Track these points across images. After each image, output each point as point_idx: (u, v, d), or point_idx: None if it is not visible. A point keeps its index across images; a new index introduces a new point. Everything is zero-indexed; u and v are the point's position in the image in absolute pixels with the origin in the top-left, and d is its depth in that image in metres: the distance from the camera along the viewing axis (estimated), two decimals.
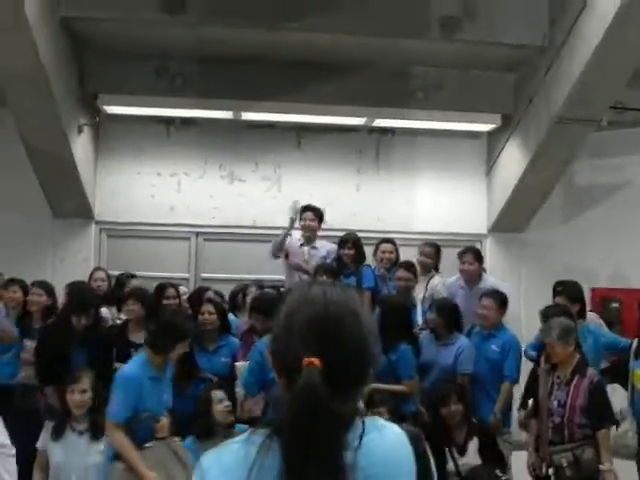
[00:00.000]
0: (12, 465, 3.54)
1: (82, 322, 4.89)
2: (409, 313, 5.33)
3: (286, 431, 1.25)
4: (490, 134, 8.01)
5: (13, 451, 3.52)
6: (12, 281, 5.60)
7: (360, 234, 6.84)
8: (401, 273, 5.84)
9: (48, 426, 4.13)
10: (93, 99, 7.05)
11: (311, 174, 7.82)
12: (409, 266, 5.94)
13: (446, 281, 6.00)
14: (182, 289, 6.26)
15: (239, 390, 4.89)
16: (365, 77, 7.07)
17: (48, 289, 5.46)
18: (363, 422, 1.33)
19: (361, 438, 1.30)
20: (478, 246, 8.19)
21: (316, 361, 1.26)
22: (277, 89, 6.97)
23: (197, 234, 7.87)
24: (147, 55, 6.84)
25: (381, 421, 1.40)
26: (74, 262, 7.48)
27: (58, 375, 4.36)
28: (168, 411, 4.23)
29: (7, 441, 3.60)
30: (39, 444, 4.13)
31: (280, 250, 6.32)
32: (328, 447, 1.24)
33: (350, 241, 6.11)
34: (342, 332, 1.32)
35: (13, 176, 7.34)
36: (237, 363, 5.11)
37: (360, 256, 6.12)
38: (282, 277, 7.50)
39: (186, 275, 7.72)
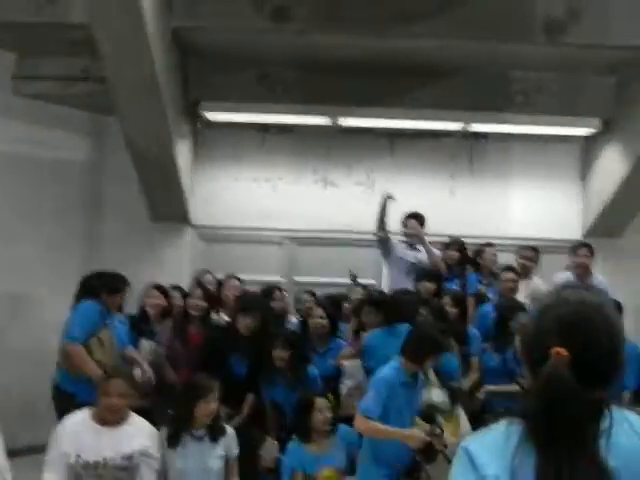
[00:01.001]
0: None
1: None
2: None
3: (536, 418, 1.33)
4: (586, 138, 7.89)
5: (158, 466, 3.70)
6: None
7: None
8: (509, 275, 5.85)
9: (162, 433, 4.06)
10: (195, 106, 7.20)
11: (404, 179, 7.83)
12: (514, 269, 5.98)
13: (556, 277, 5.98)
14: (283, 293, 6.37)
15: (343, 387, 5.07)
16: (463, 82, 7.06)
17: (164, 291, 5.61)
18: (611, 413, 1.36)
19: (610, 428, 1.34)
20: None
21: (564, 352, 1.33)
22: (375, 95, 7.02)
23: (291, 238, 7.96)
24: (249, 62, 6.95)
25: (628, 412, 1.43)
26: (172, 266, 7.66)
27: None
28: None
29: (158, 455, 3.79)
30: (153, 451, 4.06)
31: (383, 229, 6.34)
32: (579, 434, 1.30)
33: (455, 244, 6.17)
34: (592, 332, 1.38)
35: (115, 182, 7.62)
36: (344, 362, 5.20)
37: (464, 259, 6.16)
38: (373, 281, 7.60)
39: (280, 279, 7.81)
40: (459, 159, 7.94)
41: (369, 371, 4.87)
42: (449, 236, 6.61)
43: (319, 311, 5.47)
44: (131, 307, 5.79)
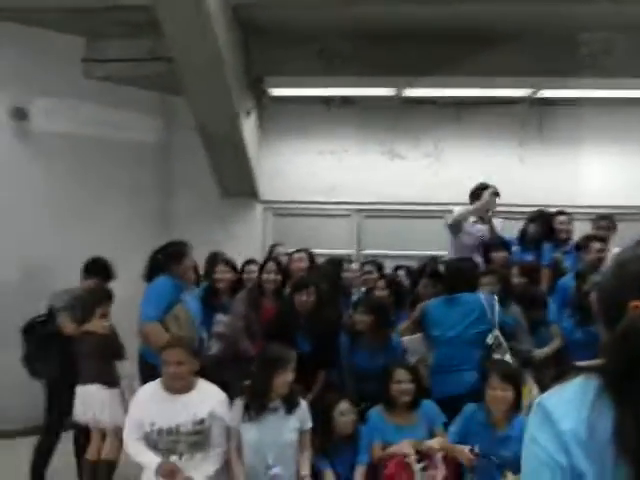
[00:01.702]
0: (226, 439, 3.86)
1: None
2: None
3: (614, 372, 1.32)
4: None
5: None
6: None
7: (523, 209, 6.76)
8: (596, 245, 5.64)
9: (237, 405, 4.09)
10: (259, 82, 7.27)
11: (472, 149, 7.73)
12: (601, 237, 5.77)
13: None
14: (352, 265, 6.40)
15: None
16: (529, 47, 6.84)
17: (233, 265, 5.70)
18: None
19: None
20: None
21: None
22: (437, 64, 6.88)
23: (358, 211, 7.98)
24: (308, 37, 6.95)
25: None
26: (242, 240, 7.81)
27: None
28: None
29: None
30: (230, 422, 4.07)
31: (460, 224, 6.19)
32: None
33: (540, 218, 6.03)
34: None
35: (185, 161, 7.80)
36: (404, 338, 5.20)
37: (546, 231, 6.02)
38: (441, 252, 7.53)
39: (349, 252, 7.84)
40: (528, 126, 7.77)
41: (433, 339, 4.90)
42: (509, 206, 6.44)
43: (381, 283, 5.49)
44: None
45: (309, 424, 4.16)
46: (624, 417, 1.29)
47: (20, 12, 6.49)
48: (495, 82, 7.12)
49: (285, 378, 4.05)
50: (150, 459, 3.79)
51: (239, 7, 6.28)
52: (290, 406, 4.09)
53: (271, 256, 6.03)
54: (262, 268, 5.40)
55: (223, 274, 5.59)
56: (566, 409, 1.36)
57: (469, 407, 4.15)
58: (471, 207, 6.09)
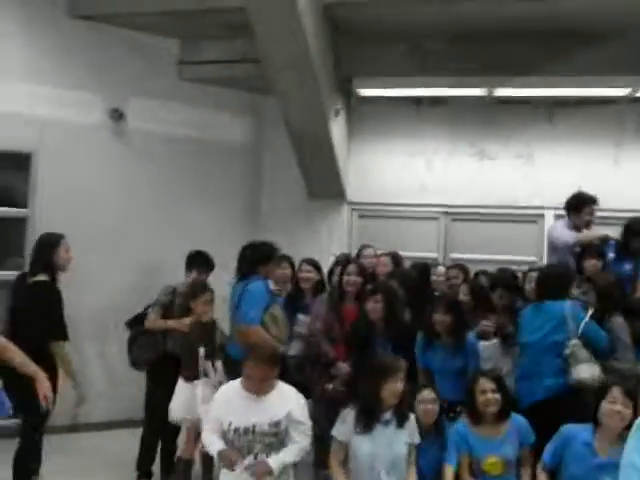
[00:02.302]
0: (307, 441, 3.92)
1: None
2: None
3: None
4: None
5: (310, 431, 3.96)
6: (283, 257, 5.88)
7: (619, 213, 6.50)
8: None
9: (347, 416, 4.08)
10: (348, 82, 7.28)
11: (565, 150, 7.48)
12: None
13: None
14: (440, 269, 6.32)
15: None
16: (628, 43, 6.54)
17: (317, 266, 5.72)
18: None
19: None
20: None
21: None
22: (531, 63, 6.71)
23: (446, 214, 7.86)
24: (399, 36, 6.92)
25: None
26: (329, 241, 7.83)
27: None
28: None
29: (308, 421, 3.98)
30: (339, 435, 4.09)
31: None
32: None
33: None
34: None
35: (274, 161, 7.90)
36: (482, 342, 5.06)
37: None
38: (530, 258, 7.32)
39: (435, 255, 7.74)
40: (626, 126, 7.44)
41: (520, 346, 4.84)
42: (603, 210, 6.19)
43: (464, 288, 5.45)
44: None
45: (417, 438, 4.13)
46: None
47: (119, 17, 6.75)
48: (590, 81, 6.86)
49: (394, 388, 4.02)
50: (215, 447, 3.84)
51: (329, 6, 6.31)
52: (402, 419, 4.07)
53: (353, 258, 6.02)
54: (344, 270, 5.39)
55: (307, 274, 5.62)
56: None
57: (571, 428, 3.97)
58: (580, 237, 5.88)
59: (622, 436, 3.52)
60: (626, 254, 5.78)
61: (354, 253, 6.64)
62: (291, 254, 6.13)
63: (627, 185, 7.30)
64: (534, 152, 7.58)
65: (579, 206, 5.99)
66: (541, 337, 4.67)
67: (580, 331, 4.59)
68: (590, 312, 4.71)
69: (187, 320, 5.19)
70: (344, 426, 4.08)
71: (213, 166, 7.58)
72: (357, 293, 5.29)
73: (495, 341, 5.02)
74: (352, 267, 5.38)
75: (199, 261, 5.73)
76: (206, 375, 4.91)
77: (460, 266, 6.24)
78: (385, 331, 4.93)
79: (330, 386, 4.97)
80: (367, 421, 4.02)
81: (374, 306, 4.93)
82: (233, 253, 5.40)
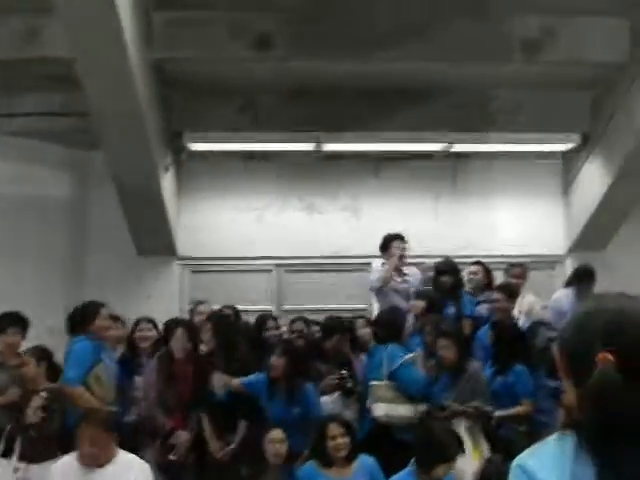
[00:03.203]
0: None
1: None
2: (523, 335, 5.31)
3: (591, 427, 1.31)
4: (565, 153, 8.00)
5: None
6: (115, 317, 5.71)
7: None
8: (497, 296, 5.82)
9: None
10: (178, 137, 7.21)
11: (389, 202, 7.86)
12: (504, 288, 5.95)
13: (557, 295, 6.04)
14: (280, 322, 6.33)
15: None
16: (445, 103, 7.13)
17: (155, 324, 5.54)
18: None
19: None
20: (558, 267, 8.22)
21: (610, 357, 1.32)
22: (358, 119, 7.06)
23: (278, 266, 7.93)
24: (231, 91, 7.00)
25: None
26: (160, 298, 7.60)
27: None
28: None
29: None
30: None
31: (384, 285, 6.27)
32: (636, 438, 1.29)
33: (448, 269, 6.11)
34: (632, 333, 1.37)
35: (100, 218, 7.58)
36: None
37: (458, 283, 6.12)
38: (363, 306, 7.58)
39: (269, 307, 7.75)
40: (443, 180, 8.00)
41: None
42: (439, 257, 6.59)
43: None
44: None
45: None
46: (605, 476, 1.29)
47: None
48: (412, 137, 7.33)
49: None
50: None
51: (161, 61, 6.26)
52: None
53: (182, 321, 5.88)
54: (170, 333, 5.20)
55: (147, 332, 5.42)
56: (548, 469, 1.35)
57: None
58: (383, 271, 6.22)
59: None
60: (447, 297, 6.11)
61: (187, 309, 6.50)
62: (122, 313, 5.94)
63: (446, 234, 7.80)
64: (362, 205, 7.90)
65: (386, 244, 6.38)
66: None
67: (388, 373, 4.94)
68: (412, 355, 4.96)
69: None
70: None
71: (30, 224, 7.11)
72: (187, 357, 5.15)
73: (336, 395, 5.12)
74: (180, 331, 5.20)
75: (10, 320, 5.27)
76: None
77: (303, 318, 6.29)
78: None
79: (173, 456, 4.79)
80: None
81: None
82: (56, 316, 5.12)
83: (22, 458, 4.35)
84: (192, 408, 5.01)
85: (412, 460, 4.00)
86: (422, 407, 4.87)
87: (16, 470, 4.20)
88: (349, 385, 5.13)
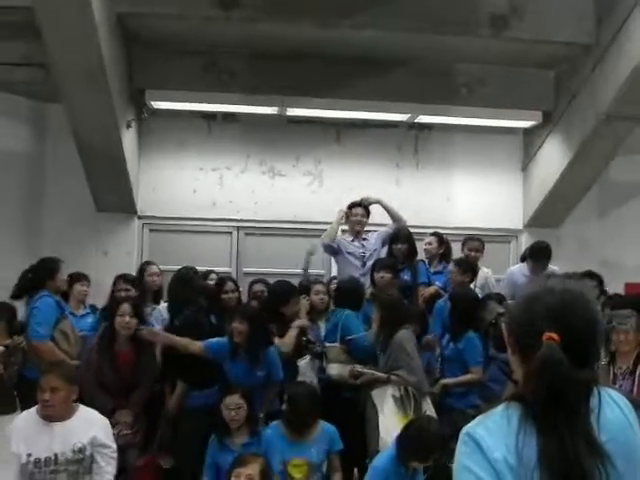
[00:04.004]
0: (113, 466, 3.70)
1: None
2: (477, 303, 5.40)
3: (536, 401, 1.43)
4: (526, 130, 8.11)
5: (115, 454, 3.68)
6: (81, 275, 5.87)
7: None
8: (454, 268, 5.92)
9: None
10: (140, 95, 7.10)
11: (351, 169, 7.89)
12: (460, 262, 6.04)
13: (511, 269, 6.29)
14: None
15: None
16: (409, 74, 7.15)
17: (133, 282, 5.57)
18: (599, 391, 1.49)
19: (600, 405, 1.47)
20: (514, 241, 8.38)
21: (556, 336, 1.44)
22: (322, 85, 7.04)
23: (238, 228, 7.94)
24: (195, 51, 6.90)
25: (612, 391, 1.56)
26: (117, 256, 7.57)
27: None
28: None
29: (113, 444, 3.75)
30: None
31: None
32: (576, 413, 1.41)
33: (403, 237, 6.19)
34: (578, 318, 1.49)
35: (58, 172, 7.47)
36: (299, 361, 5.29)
37: (413, 251, 6.21)
38: (322, 271, 7.65)
39: (228, 269, 7.77)
40: (405, 150, 8.05)
41: None
42: (385, 225, 6.64)
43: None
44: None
45: None
46: (549, 444, 1.39)
47: None
48: (375, 106, 7.35)
49: None
50: None
51: (124, 16, 6.14)
52: None
53: (141, 277, 5.88)
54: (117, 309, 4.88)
55: (125, 292, 5.40)
56: (494, 438, 1.44)
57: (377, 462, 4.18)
58: (329, 227, 6.34)
59: None
60: (402, 264, 6.18)
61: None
62: (78, 269, 5.96)
63: (407, 204, 7.83)
64: (323, 170, 7.92)
65: (347, 212, 6.44)
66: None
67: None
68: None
69: None
70: None
71: None
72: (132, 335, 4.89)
73: (307, 359, 5.21)
74: (125, 307, 4.89)
75: None
76: None
77: (263, 281, 6.29)
78: None
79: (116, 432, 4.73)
80: None
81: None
82: (9, 270, 5.10)
83: None
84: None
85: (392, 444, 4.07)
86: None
87: None
88: (317, 349, 5.20)
